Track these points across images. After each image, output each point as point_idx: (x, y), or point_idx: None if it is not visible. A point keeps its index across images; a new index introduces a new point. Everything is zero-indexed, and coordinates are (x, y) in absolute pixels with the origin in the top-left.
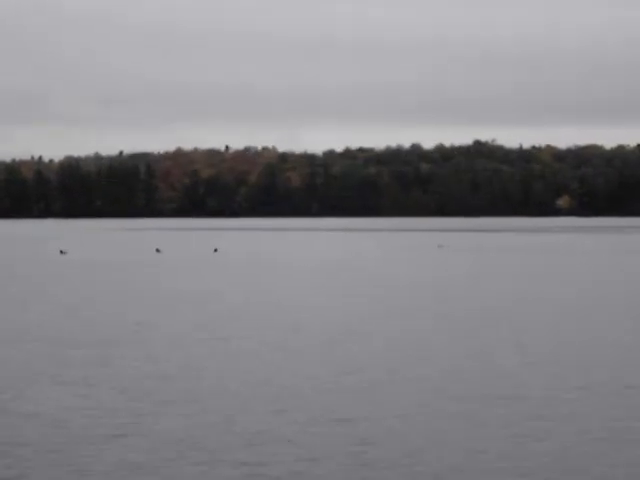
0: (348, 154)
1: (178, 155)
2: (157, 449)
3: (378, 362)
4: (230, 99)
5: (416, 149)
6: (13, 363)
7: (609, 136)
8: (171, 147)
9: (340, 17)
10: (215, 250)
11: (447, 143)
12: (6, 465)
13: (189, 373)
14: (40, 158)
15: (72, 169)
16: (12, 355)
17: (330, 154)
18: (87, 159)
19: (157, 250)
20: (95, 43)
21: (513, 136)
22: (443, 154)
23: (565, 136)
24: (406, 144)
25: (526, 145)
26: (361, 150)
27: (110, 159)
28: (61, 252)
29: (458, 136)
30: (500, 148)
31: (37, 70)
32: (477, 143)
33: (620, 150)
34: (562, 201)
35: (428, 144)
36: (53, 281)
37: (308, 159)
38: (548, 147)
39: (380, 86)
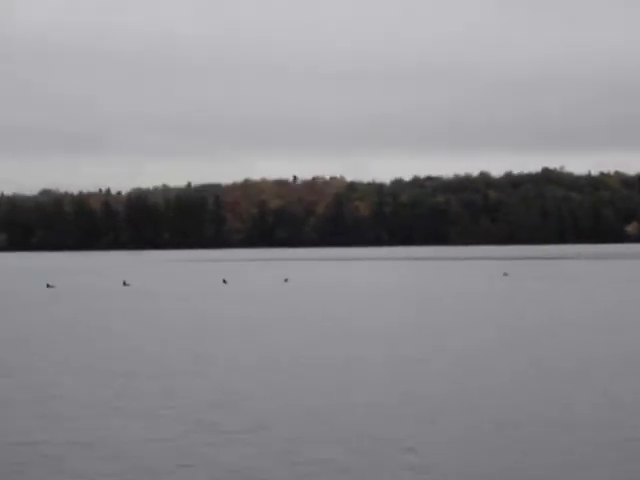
0: (416, 182)
1: (246, 186)
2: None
3: (440, 389)
4: (297, 129)
5: (484, 177)
6: (76, 394)
7: None
8: (239, 178)
9: (404, 44)
10: (286, 280)
11: (516, 171)
12: None
13: (253, 403)
14: (108, 190)
15: (140, 201)
16: (76, 386)
17: (398, 183)
18: (155, 191)
19: (224, 281)
20: (163, 74)
21: (582, 163)
22: (512, 182)
23: (634, 162)
24: (474, 172)
25: (595, 172)
26: (429, 178)
27: (178, 190)
28: (124, 284)
29: (526, 164)
30: (569, 175)
31: (104, 102)
32: (546, 170)
33: None
34: (631, 227)
35: (497, 172)
36: (114, 312)
37: (376, 188)
38: (617, 173)
39: (447, 114)
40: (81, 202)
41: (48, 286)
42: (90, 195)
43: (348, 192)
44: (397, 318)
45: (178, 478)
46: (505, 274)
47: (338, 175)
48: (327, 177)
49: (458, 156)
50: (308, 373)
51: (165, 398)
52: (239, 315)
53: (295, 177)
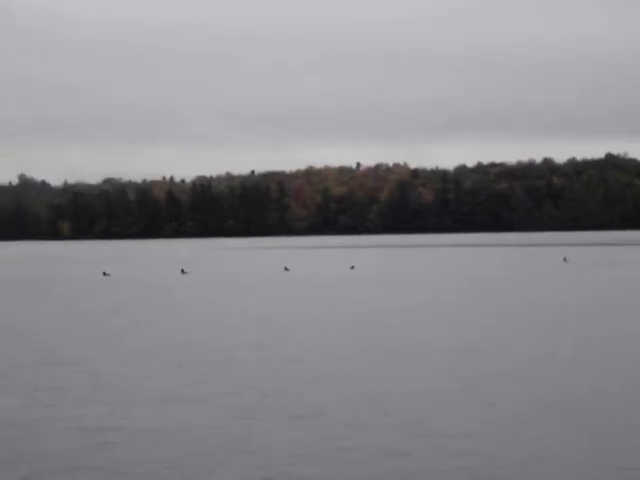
0: (480, 169)
1: (309, 173)
2: (272, 464)
3: (495, 379)
4: (360, 116)
5: (548, 163)
6: (128, 381)
7: None
8: (302, 166)
9: (466, 28)
10: (352, 267)
11: (579, 157)
12: None
13: (306, 389)
14: (171, 178)
15: (204, 189)
16: (128, 374)
17: (462, 169)
18: (219, 179)
19: (285, 268)
20: (227, 62)
21: None
22: (575, 168)
23: None
24: (538, 158)
25: None
26: (493, 165)
27: (242, 178)
28: (182, 272)
29: (590, 150)
30: (632, 161)
31: (168, 90)
32: (609, 156)
33: None
34: None
35: (560, 158)
36: (168, 301)
37: (440, 175)
38: None
39: (510, 101)
40: (144, 190)
41: (104, 274)
42: (153, 183)
43: (411, 179)
44: (450, 305)
45: (231, 464)
46: (565, 260)
47: (401, 162)
48: (390, 164)
49: (521, 142)
50: (367, 360)
51: (217, 385)
52: (299, 303)
53: (358, 164)
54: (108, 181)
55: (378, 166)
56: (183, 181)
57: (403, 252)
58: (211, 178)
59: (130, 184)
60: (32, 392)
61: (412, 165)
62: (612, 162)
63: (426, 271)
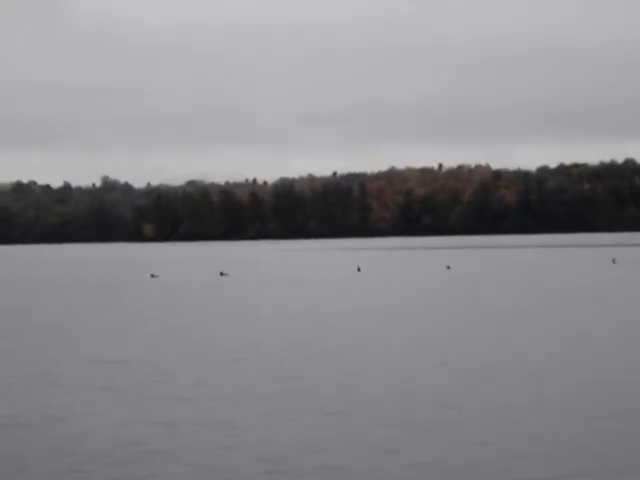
0: (562, 170)
1: (391, 175)
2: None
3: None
4: (442, 117)
5: (630, 164)
6: (190, 377)
7: None
8: (384, 167)
9: (551, 28)
10: (448, 267)
11: None
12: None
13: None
14: (254, 180)
15: (286, 190)
16: (189, 371)
17: (544, 170)
18: (301, 180)
19: (358, 269)
20: (309, 63)
21: None
22: None
23: None
24: (620, 159)
25: None
26: (575, 165)
27: (324, 180)
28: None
29: None
30: None
31: (250, 92)
32: None
33: None
34: None
35: None
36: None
37: (522, 176)
38: None
39: (593, 101)
40: (228, 192)
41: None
42: (236, 185)
43: (494, 180)
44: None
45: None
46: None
47: (483, 163)
48: (472, 165)
49: (603, 143)
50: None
51: (294, 378)
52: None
53: (440, 165)
54: (191, 183)
55: (460, 167)
56: (265, 183)
57: (490, 253)
58: (293, 180)
59: (213, 186)
60: (85, 389)
61: (494, 166)
62: None
63: (515, 272)
